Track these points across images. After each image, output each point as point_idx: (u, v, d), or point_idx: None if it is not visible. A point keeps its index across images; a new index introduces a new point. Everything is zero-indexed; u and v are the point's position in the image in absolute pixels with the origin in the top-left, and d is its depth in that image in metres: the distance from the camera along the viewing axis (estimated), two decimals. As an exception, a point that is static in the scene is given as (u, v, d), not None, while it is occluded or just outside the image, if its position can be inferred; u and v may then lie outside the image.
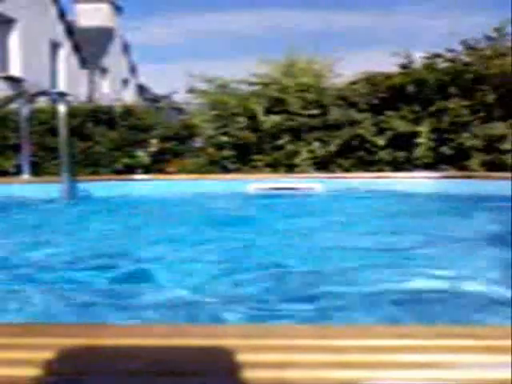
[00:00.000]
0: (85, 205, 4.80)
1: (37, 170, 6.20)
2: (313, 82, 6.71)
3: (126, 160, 6.99)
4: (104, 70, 24.19)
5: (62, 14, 20.35)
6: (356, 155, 6.36)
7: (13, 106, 7.34)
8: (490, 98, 5.96)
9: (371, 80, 6.47)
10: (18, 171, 6.21)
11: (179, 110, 7.89)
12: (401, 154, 6.19)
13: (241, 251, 2.73)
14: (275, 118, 6.44)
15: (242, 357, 0.55)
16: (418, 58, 6.43)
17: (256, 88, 6.92)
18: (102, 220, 3.95)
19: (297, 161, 6.40)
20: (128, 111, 7.41)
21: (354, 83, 6.62)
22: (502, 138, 5.90)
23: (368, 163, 6.30)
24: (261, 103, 6.52)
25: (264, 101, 6.58)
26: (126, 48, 27.22)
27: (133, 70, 27.93)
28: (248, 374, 0.54)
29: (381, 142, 6.17)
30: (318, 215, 4.15)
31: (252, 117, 6.56)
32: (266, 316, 1.64)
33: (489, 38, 6.33)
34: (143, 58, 52.72)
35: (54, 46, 19.91)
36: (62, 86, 19.67)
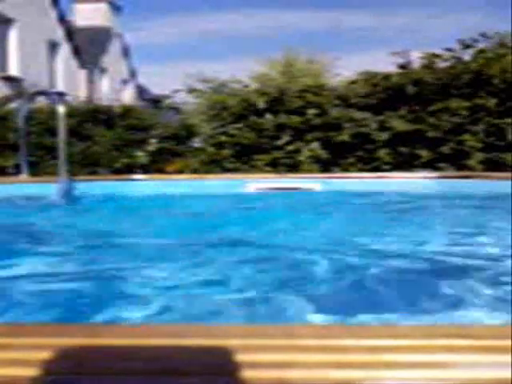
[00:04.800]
0: (83, 205, 4.80)
1: (35, 169, 6.20)
2: (312, 82, 6.71)
3: (124, 160, 6.99)
4: (103, 70, 24.17)
5: (61, 14, 20.33)
6: (356, 155, 6.36)
7: (12, 105, 7.33)
8: (491, 100, 5.97)
9: (370, 80, 6.48)
10: (16, 171, 6.21)
11: (177, 110, 7.89)
12: (400, 154, 6.20)
13: (242, 251, 2.73)
14: (277, 118, 6.44)
15: (242, 357, 0.55)
16: (417, 58, 6.45)
17: (255, 88, 6.92)
18: (101, 220, 3.95)
19: (297, 160, 6.41)
20: (127, 111, 7.41)
21: (353, 83, 6.63)
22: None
23: (368, 163, 6.30)
24: (262, 100, 6.50)
25: (264, 99, 6.58)
26: (125, 51, 27.19)
27: (132, 73, 27.91)
28: (248, 373, 0.53)
29: (384, 136, 6.15)
30: (317, 215, 4.15)
31: (253, 115, 6.55)
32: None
33: (486, 37, 6.33)
34: (143, 59, 52.70)
35: (53, 46, 19.90)
36: (60, 85, 19.66)
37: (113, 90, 22.37)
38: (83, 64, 22.17)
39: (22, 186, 5.16)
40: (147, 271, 2.28)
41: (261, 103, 6.43)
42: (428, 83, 6.16)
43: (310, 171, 6.22)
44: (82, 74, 22.33)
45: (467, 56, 6.36)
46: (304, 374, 0.54)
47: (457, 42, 6.36)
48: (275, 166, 6.46)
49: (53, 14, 19.81)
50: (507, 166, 5.77)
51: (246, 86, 7.03)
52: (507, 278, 2.00)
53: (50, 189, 4.83)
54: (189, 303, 1.80)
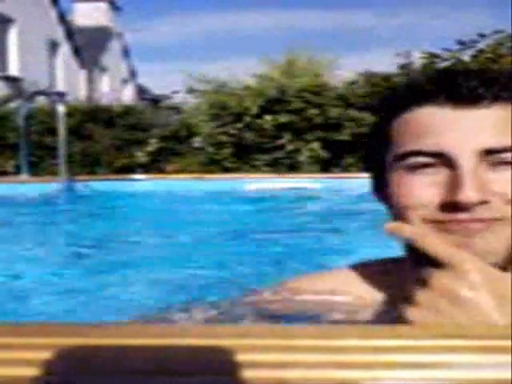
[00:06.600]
0: (83, 204, 4.80)
1: (35, 169, 6.20)
2: (312, 82, 6.72)
3: (124, 159, 6.99)
4: (103, 69, 24.19)
5: (61, 14, 20.34)
6: (356, 155, 6.37)
7: (12, 105, 7.34)
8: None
9: (371, 80, 6.48)
10: (16, 171, 6.21)
11: (177, 110, 7.90)
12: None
13: (241, 251, 2.73)
14: (277, 118, 6.44)
15: (241, 357, 0.55)
16: (418, 57, 6.45)
17: (255, 88, 6.92)
18: (101, 219, 3.95)
19: (297, 160, 6.41)
20: (127, 111, 7.42)
21: (353, 83, 6.64)
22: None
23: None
24: (257, 102, 6.51)
25: (262, 100, 6.58)
26: (125, 51, 27.21)
27: (133, 73, 27.92)
28: (248, 373, 0.53)
29: None
30: (316, 215, 4.15)
31: (253, 115, 6.55)
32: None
33: (485, 37, 6.33)
34: (143, 59, 52.74)
35: (53, 46, 19.91)
36: (60, 85, 19.67)
37: (113, 88, 22.37)
38: (83, 64, 22.18)
39: (22, 186, 5.16)
40: (147, 270, 2.28)
41: (254, 108, 6.44)
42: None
43: (310, 171, 6.23)
44: (82, 74, 22.34)
45: (467, 56, 6.37)
46: (304, 374, 0.54)
47: (456, 42, 6.36)
48: (275, 166, 6.46)
49: (53, 14, 19.82)
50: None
51: (248, 87, 7.03)
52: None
53: (50, 188, 4.83)
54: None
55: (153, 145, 7.08)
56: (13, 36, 17.27)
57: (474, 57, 6.31)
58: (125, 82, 26.69)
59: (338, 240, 3.05)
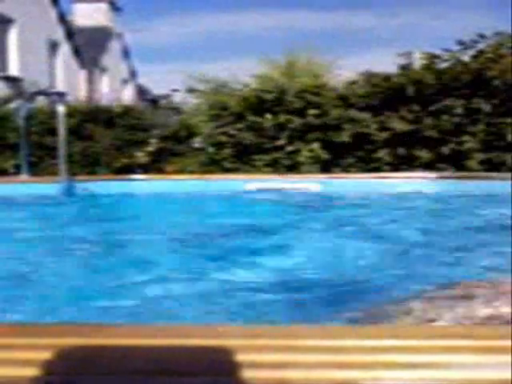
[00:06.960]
0: (83, 204, 4.80)
1: (35, 169, 6.19)
2: (312, 83, 6.71)
3: (124, 160, 6.99)
4: (103, 69, 24.16)
5: (61, 14, 20.33)
6: (356, 156, 6.35)
7: (12, 105, 7.33)
8: (489, 100, 5.96)
9: (371, 80, 6.47)
10: (16, 171, 6.20)
11: (177, 110, 7.88)
12: (400, 155, 6.19)
13: (241, 251, 2.73)
14: (277, 118, 6.43)
15: (241, 357, 0.55)
16: (418, 58, 6.44)
17: (255, 88, 6.91)
18: (101, 219, 3.95)
19: (296, 161, 6.40)
20: (127, 111, 7.41)
21: (353, 83, 6.62)
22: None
23: (368, 163, 6.29)
24: (260, 103, 6.50)
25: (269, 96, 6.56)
26: (125, 51, 27.18)
27: (133, 74, 27.89)
28: (248, 373, 0.54)
29: (384, 136, 6.13)
30: (315, 215, 4.15)
31: (253, 115, 6.53)
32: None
33: (485, 37, 6.32)
34: (143, 59, 52.61)
35: (53, 46, 19.89)
36: (60, 85, 19.64)
37: (113, 89, 22.34)
38: (83, 64, 22.16)
39: (22, 186, 5.16)
40: (147, 269, 2.28)
41: (269, 96, 6.41)
42: (428, 84, 6.15)
43: (310, 171, 6.21)
44: (82, 74, 22.32)
45: (467, 57, 6.35)
46: (304, 374, 0.54)
47: (457, 42, 6.35)
48: (275, 167, 6.45)
49: (53, 14, 19.79)
50: (506, 166, 5.76)
51: (247, 86, 7.02)
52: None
53: (50, 189, 4.83)
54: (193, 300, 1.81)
55: (153, 145, 7.07)
56: (13, 36, 17.25)
57: (475, 57, 6.29)
58: (125, 82, 26.65)
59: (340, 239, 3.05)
